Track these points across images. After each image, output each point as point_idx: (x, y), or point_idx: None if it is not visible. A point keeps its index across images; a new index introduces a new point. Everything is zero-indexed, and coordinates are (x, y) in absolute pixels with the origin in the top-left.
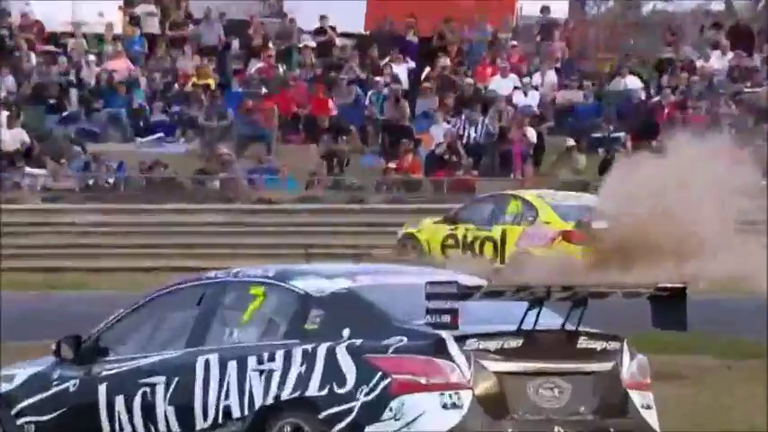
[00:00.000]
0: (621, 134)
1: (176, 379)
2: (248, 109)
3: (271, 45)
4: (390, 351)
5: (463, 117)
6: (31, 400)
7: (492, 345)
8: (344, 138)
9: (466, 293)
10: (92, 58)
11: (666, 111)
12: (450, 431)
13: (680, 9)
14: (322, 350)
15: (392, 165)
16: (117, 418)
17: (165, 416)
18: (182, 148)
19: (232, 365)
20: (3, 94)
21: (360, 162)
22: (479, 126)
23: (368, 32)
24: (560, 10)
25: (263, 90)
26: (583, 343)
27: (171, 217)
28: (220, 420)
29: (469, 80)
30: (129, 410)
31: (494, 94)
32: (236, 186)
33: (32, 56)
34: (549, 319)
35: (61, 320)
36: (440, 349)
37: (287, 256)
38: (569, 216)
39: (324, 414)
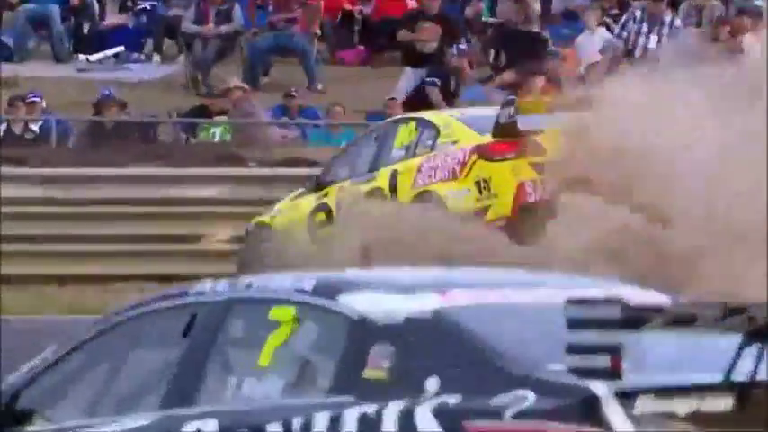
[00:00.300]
0: None
1: None
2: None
3: None
4: (508, 415)
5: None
6: None
7: (681, 406)
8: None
9: (638, 318)
10: None
11: None
12: None
13: None
14: (392, 413)
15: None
16: None
17: None
18: (154, 71)
19: None
20: None
21: (462, 93)
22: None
23: None
24: None
25: None
26: None
27: (142, 190)
28: None
29: None
30: None
31: None
32: (252, 140)
33: None
34: None
35: None
36: (592, 413)
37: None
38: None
39: None
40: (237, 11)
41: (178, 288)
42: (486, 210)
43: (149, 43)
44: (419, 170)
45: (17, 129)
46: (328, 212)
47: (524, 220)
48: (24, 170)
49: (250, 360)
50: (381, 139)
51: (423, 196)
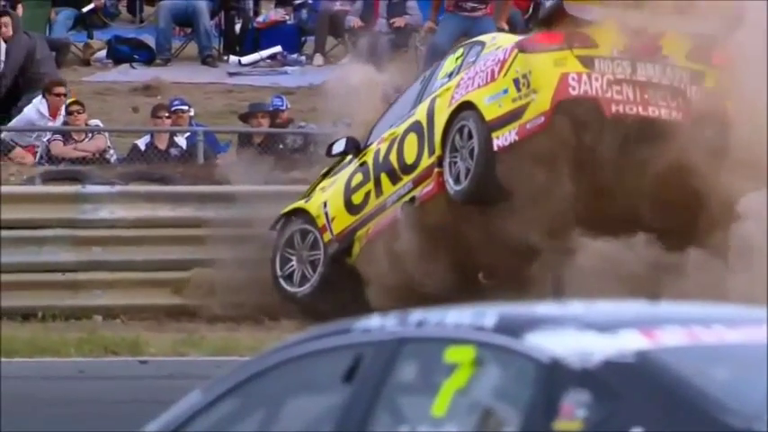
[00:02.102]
0: None
1: None
2: None
3: None
4: None
5: None
6: None
7: None
8: None
9: None
10: None
11: None
12: None
13: None
14: None
15: None
16: None
17: None
18: (316, 74)
19: None
20: None
21: None
22: None
23: None
24: None
25: None
26: None
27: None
28: None
29: None
30: None
31: None
32: None
33: None
34: None
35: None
36: None
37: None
38: None
39: None
40: (413, 3)
41: (341, 325)
42: (523, 111)
43: (310, 42)
44: (458, 86)
45: (161, 143)
46: (366, 172)
47: (563, 124)
48: (177, 188)
49: (423, 408)
50: (427, 77)
51: (459, 112)
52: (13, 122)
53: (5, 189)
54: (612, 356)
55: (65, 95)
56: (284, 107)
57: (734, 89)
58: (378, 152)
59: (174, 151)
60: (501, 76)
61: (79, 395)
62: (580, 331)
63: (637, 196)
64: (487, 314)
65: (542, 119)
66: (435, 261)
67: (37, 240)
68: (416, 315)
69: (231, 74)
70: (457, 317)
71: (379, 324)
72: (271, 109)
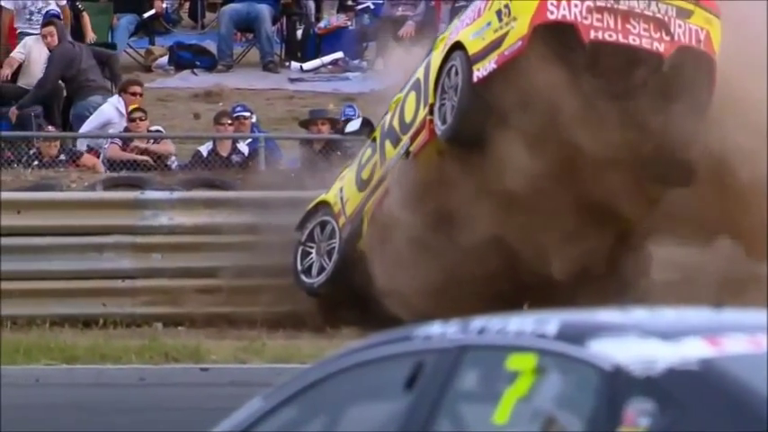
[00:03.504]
0: None
1: None
2: None
3: None
4: None
5: None
6: None
7: None
8: None
9: None
10: None
11: None
12: None
13: None
14: None
15: None
16: None
17: None
18: (378, 80)
19: None
20: None
21: None
22: None
23: None
24: None
25: None
26: None
27: None
28: None
29: None
30: None
31: None
32: None
33: None
34: None
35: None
36: None
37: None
38: None
39: None
40: None
41: (401, 332)
42: (503, 39)
43: (372, 48)
44: (451, 32)
45: (223, 150)
46: (374, 146)
47: (539, 48)
48: (236, 194)
49: (485, 416)
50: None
51: (449, 54)
52: (91, 119)
53: (68, 195)
54: (676, 364)
55: (140, 95)
56: (356, 116)
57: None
58: (384, 122)
59: (235, 158)
60: (486, 11)
61: (140, 402)
62: (643, 339)
63: (616, 126)
64: (549, 322)
65: (519, 43)
66: (429, 219)
67: (97, 247)
68: (478, 322)
69: (292, 80)
70: (519, 324)
71: (440, 331)
72: (343, 118)
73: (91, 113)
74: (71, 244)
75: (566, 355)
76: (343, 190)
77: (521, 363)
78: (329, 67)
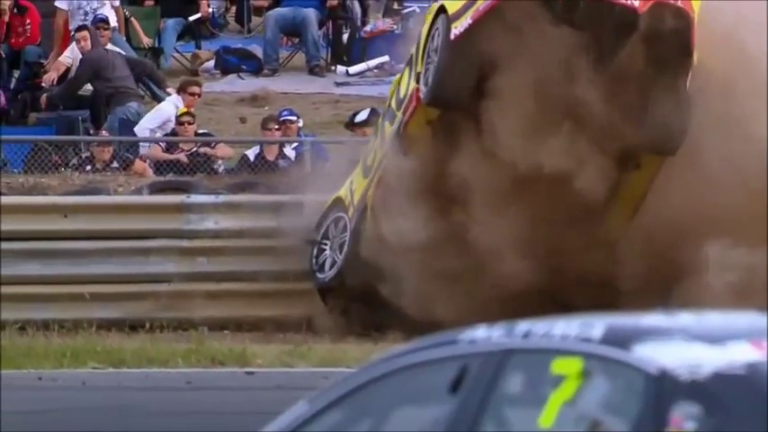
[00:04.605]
0: None
1: None
2: None
3: None
4: None
5: None
6: None
7: None
8: None
9: None
10: None
11: None
12: None
13: None
14: None
15: None
16: None
17: None
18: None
19: None
20: None
21: None
22: None
23: None
24: None
25: None
26: None
27: None
28: None
29: None
30: None
31: None
32: None
33: None
34: None
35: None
36: None
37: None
38: None
39: None
40: None
41: (447, 336)
42: None
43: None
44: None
45: (270, 154)
46: (377, 130)
47: (512, 5)
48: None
49: (530, 420)
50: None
51: (434, 19)
52: (149, 115)
53: (114, 199)
54: (722, 368)
55: (198, 95)
56: None
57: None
58: (384, 107)
59: (282, 162)
60: None
61: (186, 406)
62: (689, 342)
63: (593, 83)
64: (595, 325)
65: None
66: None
67: (143, 251)
68: (523, 326)
69: (338, 84)
70: (564, 328)
71: (485, 335)
72: None
73: (128, 119)
74: (117, 248)
75: (611, 358)
76: (353, 182)
77: (566, 366)
78: (375, 70)
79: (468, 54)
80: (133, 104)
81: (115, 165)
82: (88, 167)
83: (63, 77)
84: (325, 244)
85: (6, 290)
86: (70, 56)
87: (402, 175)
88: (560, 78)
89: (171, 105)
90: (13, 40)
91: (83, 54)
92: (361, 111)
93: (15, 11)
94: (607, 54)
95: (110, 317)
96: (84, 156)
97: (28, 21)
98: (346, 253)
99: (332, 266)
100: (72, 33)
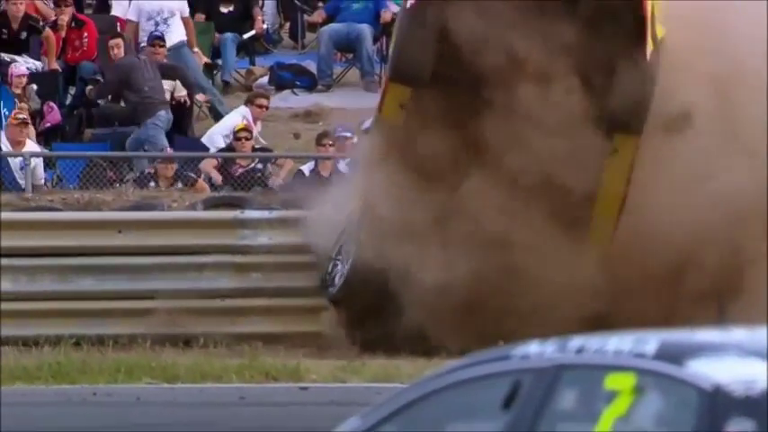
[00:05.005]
0: None
1: None
2: None
3: None
4: None
5: None
6: None
7: None
8: None
9: None
10: None
11: None
12: None
13: None
14: None
15: None
16: None
17: None
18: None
19: None
20: None
21: None
22: None
23: None
24: None
25: None
26: None
27: None
28: None
29: None
30: None
31: None
32: None
33: None
34: None
35: None
36: None
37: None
38: None
39: None
40: None
41: (499, 351)
42: None
43: None
44: None
45: (325, 170)
46: None
47: None
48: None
49: None
50: None
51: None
52: (217, 127)
53: (168, 215)
54: None
55: (266, 108)
56: None
57: None
58: None
59: (336, 178)
60: None
61: (240, 421)
62: (743, 358)
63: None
64: (648, 341)
65: None
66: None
67: (197, 266)
68: (576, 341)
69: None
70: (617, 343)
71: (538, 350)
72: None
73: (158, 127)
74: (171, 263)
75: (665, 374)
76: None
77: (619, 382)
78: None
79: (425, 23)
80: (162, 113)
81: (179, 185)
82: (152, 184)
83: None
84: (338, 259)
85: (61, 305)
86: None
87: (384, 169)
88: (523, 46)
89: (239, 116)
90: (69, 55)
91: (114, 61)
92: (370, 118)
93: (73, 24)
94: (562, 21)
95: (164, 332)
96: (146, 172)
97: (85, 35)
98: (351, 262)
99: (340, 279)
100: (141, 45)
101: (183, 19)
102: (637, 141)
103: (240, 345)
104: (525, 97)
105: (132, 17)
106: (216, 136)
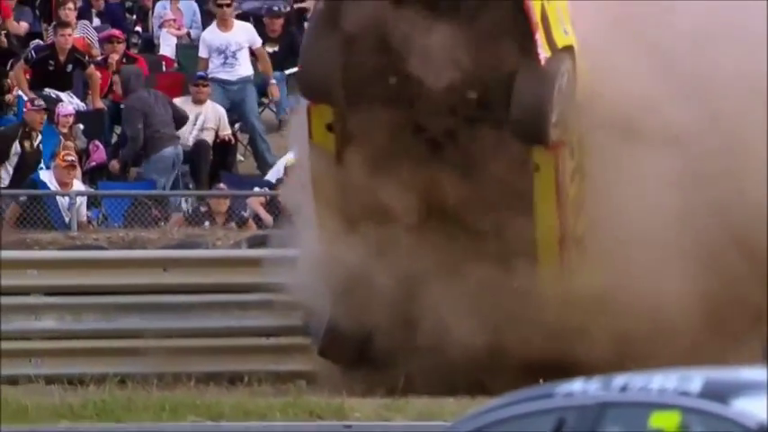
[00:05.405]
0: None
1: None
2: None
3: None
4: None
5: None
6: None
7: None
8: None
9: None
10: None
11: None
12: None
13: None
14: None
15: None
16: None
17: None
18: None
19: None
20: None
21: None
22: None
23: None
24: None
25: None
26: None
27: None
28: None
29: None
30: None
31: None
32: None
33: None
34: None
35: None
36: None
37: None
38: None
39: None
40: None
41: (543, 389)
42: None
43: None
44: None
45: None
46: None
47: None
48: None
49: None
50: None
51: None
52: (281, 162)
53: (213, 253)
54: None
55: None
56: None
57: None
58: None
59: None
60: None
61: None
62: None
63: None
64: (693, 379)
65: None
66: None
67: (241, 305)
68: (620, 379)
69: None
70: (662, 381)
71: (581, 388)
72: None
73: (166, 164)
74: (216, 301)
75: (710, 412)
76: None
77: (664, 420)
78: None
79: (330, 31)
80: (169, 149)
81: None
82: (206, 223)
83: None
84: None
85: (106, 343)
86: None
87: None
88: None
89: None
90: (115, 94)
91: (123, 101)
92: None
93: (124, 61)
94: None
95: (209, 370)
96: (202, 210)
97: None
98: (328, 319)
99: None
100: (210, 76)
101: (256, 50)
102: (556, 154)
103: (284, 383)
104: (435, 124)
105: (203, 54)
106: (273, 173)
